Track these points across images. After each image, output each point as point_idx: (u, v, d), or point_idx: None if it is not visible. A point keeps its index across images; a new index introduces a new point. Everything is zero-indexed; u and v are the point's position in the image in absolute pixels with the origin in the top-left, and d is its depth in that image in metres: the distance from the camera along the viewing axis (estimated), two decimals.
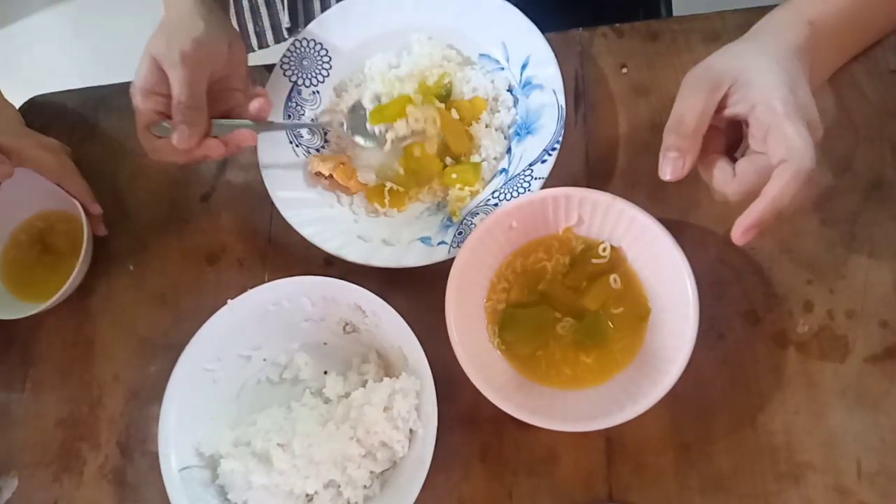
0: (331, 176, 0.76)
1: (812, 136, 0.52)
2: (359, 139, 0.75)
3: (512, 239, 0.66)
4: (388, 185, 0.74)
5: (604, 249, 0.65)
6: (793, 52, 0.57)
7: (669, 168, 0.56)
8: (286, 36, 0.96)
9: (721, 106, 0.56)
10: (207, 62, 0.68)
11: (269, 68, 0.81)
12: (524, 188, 0.69)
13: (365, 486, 0.64)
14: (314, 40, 0.80)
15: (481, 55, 0.78)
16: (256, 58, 0.93)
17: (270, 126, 0.74)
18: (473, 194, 0.73)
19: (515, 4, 0.75)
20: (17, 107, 0.93)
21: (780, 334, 0.64)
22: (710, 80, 0.56)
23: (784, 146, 0.52)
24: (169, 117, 0.67)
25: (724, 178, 0.56)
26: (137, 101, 0.68)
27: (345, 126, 0.76)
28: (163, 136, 0.69)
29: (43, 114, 0.87)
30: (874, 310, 0.63)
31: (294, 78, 0.80)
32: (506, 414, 0.59)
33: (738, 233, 0.54)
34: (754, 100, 0.54)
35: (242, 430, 0.67)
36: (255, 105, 0.70)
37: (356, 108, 0.77)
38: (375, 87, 0.77)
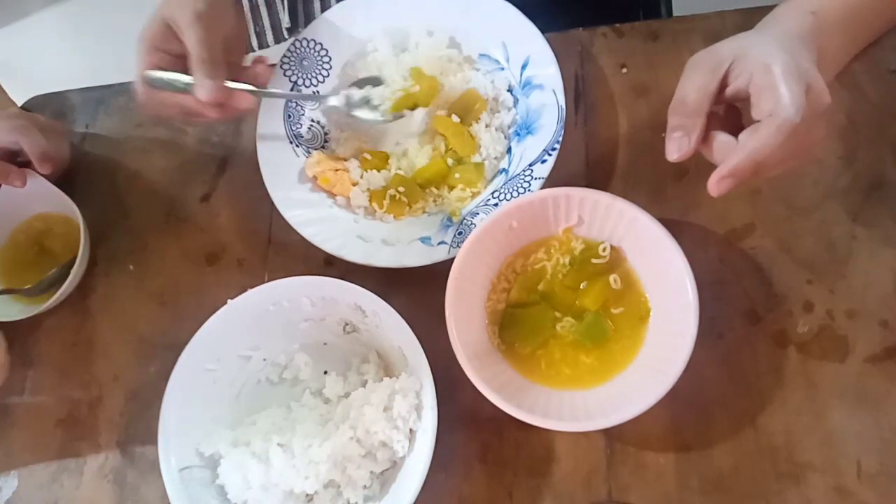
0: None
1: (817, 100, 0.52)
2: (360, 113, 0.76)
3: (512, 239, 0.66)
4: (391, 191, 0.74)
5: (604, 249, 0.65)
6: (795, 39, 0.57)
7: (675, 147, 0.56)
8: (286, 36, 0.96)
9: (722, 85, 0.56)
10: (220, 24, 0.69)
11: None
12: (524, 188, 0.69)
13: (365, 486, 0.64)
14: (314, 40, 0.80)
15: (481, 55, 0.77)
16: None
17: (270, 94, 0.76)
18: (475, 194, 0.73)
19: (515, 4, 0.75)
20: (18, 106, 0.93)
21: (780, 334, 0.64)
22: (711, 60, 0.56)
23: (773, 102, 0.52)
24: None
25: (726, 150, 0.55)
26: (142, 50, 0.69)
27: (346, 102, 0.76)
28: (158, 87, 0.69)
29: (43, 114, 0.87)
30: (874, 310, 0.63)
31: (294, 78, 0.80)
32: (506, 414, 0.59)
33: (713, 182, 0.53)
34: (753, 68, 0.54)
35: (242, 430, 0.67)
36: (255, 70, 0.72)
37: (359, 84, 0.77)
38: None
